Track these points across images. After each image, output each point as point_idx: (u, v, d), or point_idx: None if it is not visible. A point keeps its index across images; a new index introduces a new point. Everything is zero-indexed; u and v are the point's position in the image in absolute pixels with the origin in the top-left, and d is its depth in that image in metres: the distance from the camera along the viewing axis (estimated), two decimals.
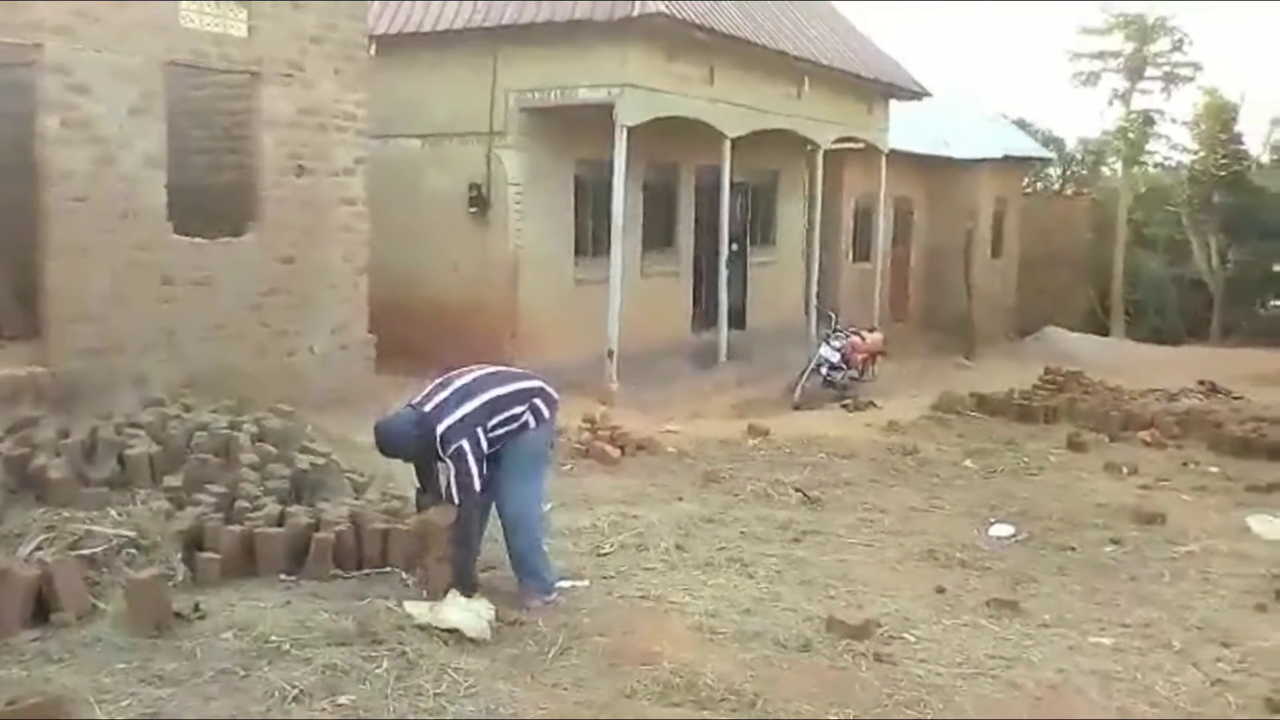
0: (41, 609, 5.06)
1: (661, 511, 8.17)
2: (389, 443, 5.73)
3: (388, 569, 6.16)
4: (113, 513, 6.37)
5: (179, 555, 5.87)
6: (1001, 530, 8.29)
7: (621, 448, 10.33)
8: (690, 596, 6.22)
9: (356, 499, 7.19)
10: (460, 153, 15.33)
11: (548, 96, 14.98)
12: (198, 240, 10.55)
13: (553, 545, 6.65)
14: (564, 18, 14.43)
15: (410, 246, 14.96)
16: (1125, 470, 10.74)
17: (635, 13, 13.98)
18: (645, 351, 15.42)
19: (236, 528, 6.17)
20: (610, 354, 14.31)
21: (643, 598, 6.17)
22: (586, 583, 6.34)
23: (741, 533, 7.81)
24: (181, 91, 10.97)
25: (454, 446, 5.55)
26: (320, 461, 7.62)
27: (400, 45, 14.93)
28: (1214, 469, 11.02)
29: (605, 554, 7.05)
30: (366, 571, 6.11)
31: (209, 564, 5.89)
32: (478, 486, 5.58)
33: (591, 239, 15.92)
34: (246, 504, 6.55)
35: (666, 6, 14.29)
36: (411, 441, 5.69)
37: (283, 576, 5.95)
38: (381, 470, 7.63)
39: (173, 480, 6.94)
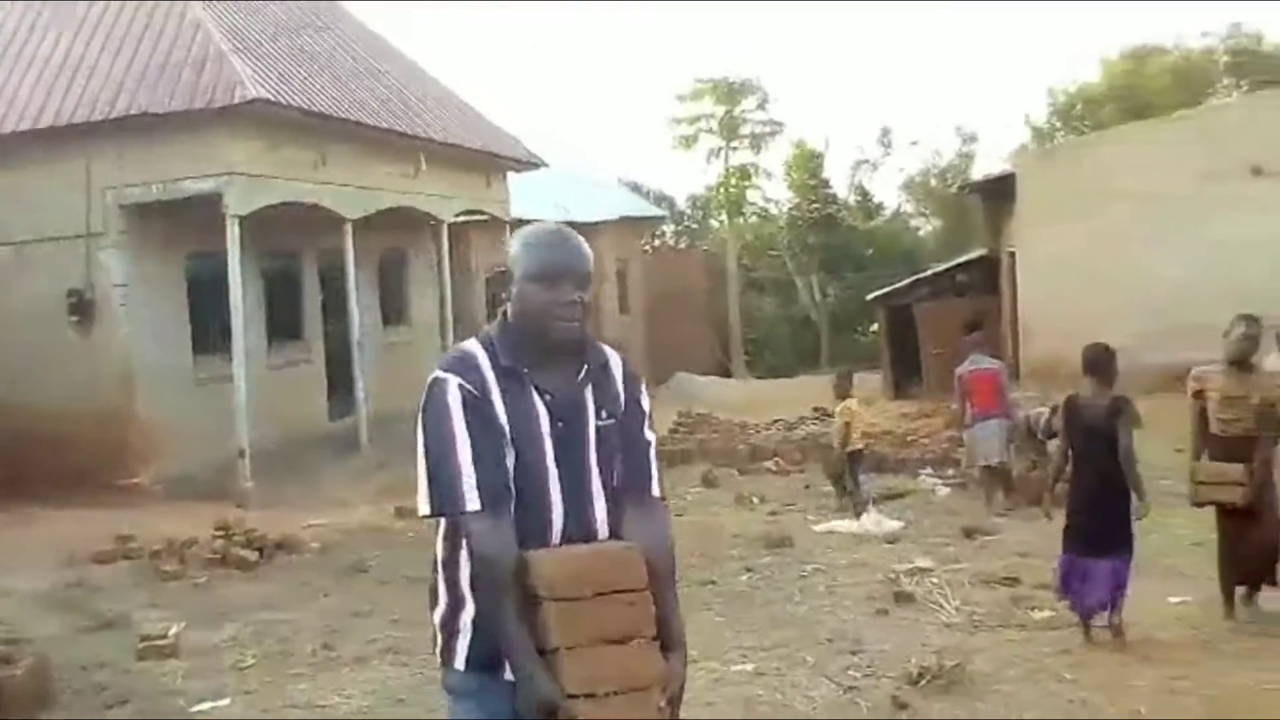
0: None
1: (307, 612, 7.90)
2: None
3: None
4: None
5: None
6: None
7: (259, 550, 9.91)
8: (340, 697, 6.04)
9: None
10: (56, 258, 14.29)
11: (149, 191, 14.27)
12: None
13: (187, 667, 6.26)
14: (161, 109, 13.84)
15: (4, 363, 13.76)
16: (755, 500, 11.43)
17: (237, 99, 13.61)
18: (281, 446, 14.89)
19: None
20: (242, 453, 13.70)
21: (290, 707, 5.92)
22: (227, 701, 6.01)
23: (393, 620, 7.67)
24: None
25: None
26: None
27: None
28: (831, 488, 11.94)
29: (246, 667, 6.71)
30: None
31: None
32: None
33: (212, 336, 15.22)
34: None
35: (270, 93, 14.02)
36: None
37: None
38: None
39: None
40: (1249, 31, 38.38)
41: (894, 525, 10.20)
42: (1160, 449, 10.12)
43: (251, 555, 9.76)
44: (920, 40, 74.08)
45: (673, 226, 39.43)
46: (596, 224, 26.88)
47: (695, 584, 8.28)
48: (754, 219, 37.30)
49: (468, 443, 2.54)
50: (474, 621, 2.61)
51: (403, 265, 20.66)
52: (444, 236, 19.59)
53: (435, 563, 2.70)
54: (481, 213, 20.91)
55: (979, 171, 34.45)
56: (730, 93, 33.82)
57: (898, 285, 22.68)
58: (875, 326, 25.94)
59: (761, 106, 34.33)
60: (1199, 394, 6.68)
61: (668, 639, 2.61)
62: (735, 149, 34.76)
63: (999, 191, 21.95)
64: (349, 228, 16.31)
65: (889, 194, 40.54)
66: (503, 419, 2.59)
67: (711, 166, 35.50)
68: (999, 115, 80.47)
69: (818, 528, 10.27)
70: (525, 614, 2.49)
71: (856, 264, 32.75)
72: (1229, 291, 17.70)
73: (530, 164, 21.97)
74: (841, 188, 36.67)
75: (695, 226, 40.04)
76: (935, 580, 8.00)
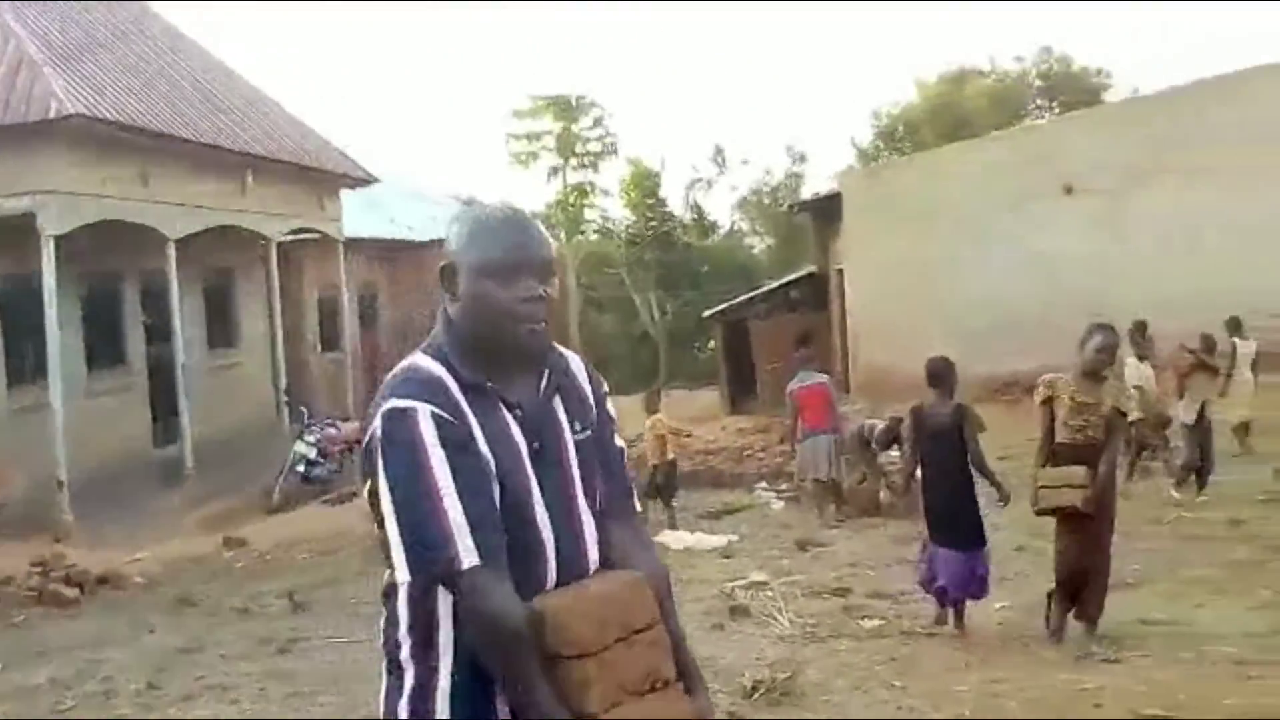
0: None
1: (131, 650, 7.61)
2: None
3: None
4: None
5: None
6: None
7: (80, 586, 9.50)
8: None
9: None
10: None
11: None
12: None
13: (3, 711, 5.94)
14: None
15: None
16: None
17: (52, 115, 13.05)
18: (103, 476, 14.28)
19: None
20: (61, 485, 13.10)
21: None
22: None
23: (222, 656, 7.45)
24: None
25: None
26: None
27: None
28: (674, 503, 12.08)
29: (66, 710, 6.42)
30: None
31: None
32: None
33: (28, 363, 14.50)
34: None
35: (87, 108, 13.48)
36: None
37: None
38: None
39: None
40: (1059, 55, 40.57)
41: (718, 540, 10.37)
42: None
43: (71, 592, 9.35)
44: (751, 62, 75.89)
45: None
46: (434, 242, 26.58)
47: None
48: (592, 237, 37.54)
49: (451, 484, 2.10)
50: (452, 693, 2.18)
51: (230, 286, 20.07)
52: (273, 256, 19.14)
53: (392, 627, 2.22)
54: (313, 231, 20.51)
55: (808, 190, 35.42)
56: (568, 110, 33.97)
57: (733, 302, 23.14)
58: (712, 343, 26.37)
59: (599, 124, 34.62)
60: (1048, 401, 6.47)
61: (686, 674, 2.30)
62: (574, 167, 34.94)
63: (827, 210, 22.60)
64: (172, 247, 15.80)
65: (723, 212, 41.30)
66: (485, 449, 2.17)
67: (550, 184, 35.65)
68: (827, 136, 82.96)
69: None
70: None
71: (693, 281, 33.27)
72: (1044, 305, 18.67)
73: (363, 180, 21.66)
74: (677, 206, 37.22)
75: None
76: (770, 593, 8.16)
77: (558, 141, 34.21)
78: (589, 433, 2.34)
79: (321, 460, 16.00)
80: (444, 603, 2.14)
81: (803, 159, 39.95)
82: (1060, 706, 5.63)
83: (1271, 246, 18.93)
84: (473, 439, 2.15)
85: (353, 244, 21.88)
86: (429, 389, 2.16)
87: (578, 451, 2.30)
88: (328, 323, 22.76)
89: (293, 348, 20.26)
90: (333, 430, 16.72)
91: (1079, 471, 6.27)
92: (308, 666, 7.11)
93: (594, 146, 34.78)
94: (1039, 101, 40.13)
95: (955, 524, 6.92)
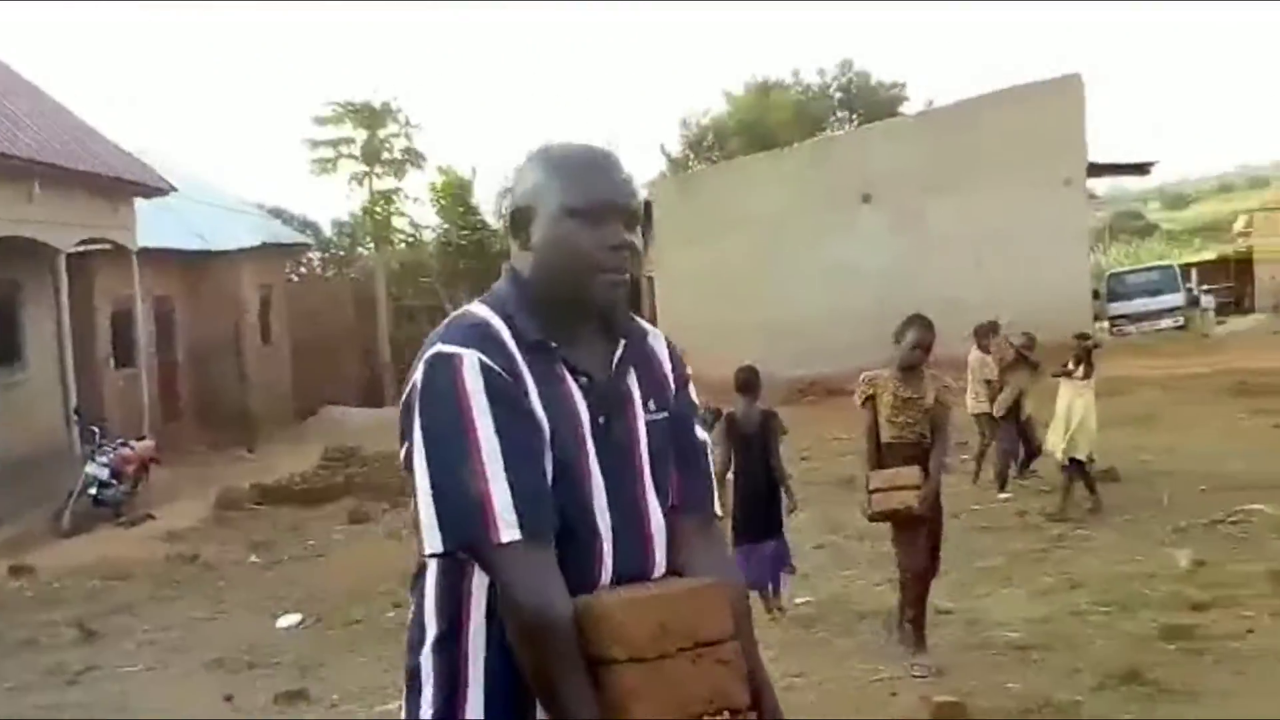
0: None
1: None
2: None
3: None
4: None
5: None
6: (288, 620, 8.34)
7: None
8: None
9: None
10: None
11: None
12: None
13: None
14: None
15: None
16: (406, 532, 11.31)
17: None
18: None
19: None
20: None
21: None
22: None
23: (7, 689, 7.06)
24: None
25: None
26: None
27: None
28: None
29: None
30: None
31: None
32: None
33: None
34: None
35: None
36: None
37: None
38: None
39: None
40: (860, 69, 42.23)
41: None
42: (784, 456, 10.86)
43: None
44: (563, 70, 76.31)
45: (320, 254, 38.31)
46: (235, 252, 25.75)
47: (340, 626, 8.13)
48: (402, 246, 36.92)
49: (496, 445, 1.78)
50: (484, 695, 1.86)
51: (15, 299, 18.93)
52: (62, 267, 18.18)
53: (418, 613, 1.94)
54: (105, 241, 19.58)
55: None
56: (372, 116, 33.29)
57: None
58: None
59: (403, 132, 34.03)
60: (869, 399, 6.17)
61: (761, 706, 1.95)
62: (379, 175, 34.25)
63: None
64: None
65: None
66: (539, 413, 1.85)
67: (355, 192, 34.87)
68: (638, 144, 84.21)
69: None
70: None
71: None
72: (844, 309, 19.34)
73: (158, 189, 20.78)
74: (490, 214, 36.96)
75: (343, 253, 39.11)
76: None
77: (362, 149, 33.50)
78: (664, 415, 2.03)
79: (114, 482, 15.21)
80: (478, 585, 1.85)
81: None
82: (856, 696, 5.84)
83: (1049, 252, 20.11)
84: (528, 400, 1.84)
85: (148, 255, 20.97)
86: (479, 335, 1.87)
87: (650, 436, 2.00)
88: (121, 337, 21.74)
89: (84, 364, 19.27)
90: (126, 450, 15.93)
91: (911, 471, 6.02)
92: (98, 697, 6.80)
93: (399, 154, 34.20)
94: (839, 113, 41.64)
95: (758, 521, 7.21)
